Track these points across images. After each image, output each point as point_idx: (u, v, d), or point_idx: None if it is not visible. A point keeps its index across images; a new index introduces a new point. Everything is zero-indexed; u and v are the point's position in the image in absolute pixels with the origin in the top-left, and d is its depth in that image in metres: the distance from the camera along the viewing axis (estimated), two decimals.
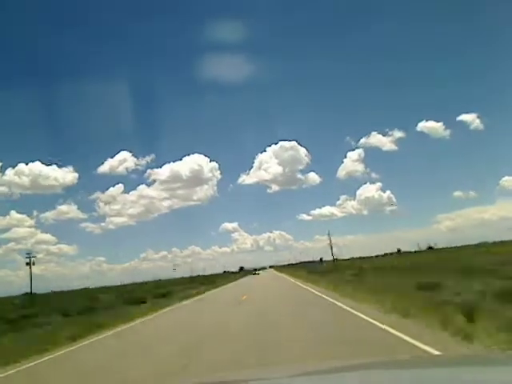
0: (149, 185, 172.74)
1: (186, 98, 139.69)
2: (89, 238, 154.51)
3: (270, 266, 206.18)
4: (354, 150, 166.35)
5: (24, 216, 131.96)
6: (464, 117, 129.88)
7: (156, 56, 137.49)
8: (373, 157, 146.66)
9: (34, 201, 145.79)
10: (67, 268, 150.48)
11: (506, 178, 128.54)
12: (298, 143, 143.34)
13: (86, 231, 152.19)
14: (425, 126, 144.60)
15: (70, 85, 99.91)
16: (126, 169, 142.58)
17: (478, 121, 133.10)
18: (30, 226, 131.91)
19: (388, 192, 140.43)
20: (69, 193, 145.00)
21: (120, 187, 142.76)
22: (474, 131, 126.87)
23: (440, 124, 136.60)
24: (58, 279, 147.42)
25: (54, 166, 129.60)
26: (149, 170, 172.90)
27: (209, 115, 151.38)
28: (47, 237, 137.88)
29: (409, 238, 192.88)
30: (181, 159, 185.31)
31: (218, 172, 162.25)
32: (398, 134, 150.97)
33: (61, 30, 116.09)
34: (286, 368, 3.27)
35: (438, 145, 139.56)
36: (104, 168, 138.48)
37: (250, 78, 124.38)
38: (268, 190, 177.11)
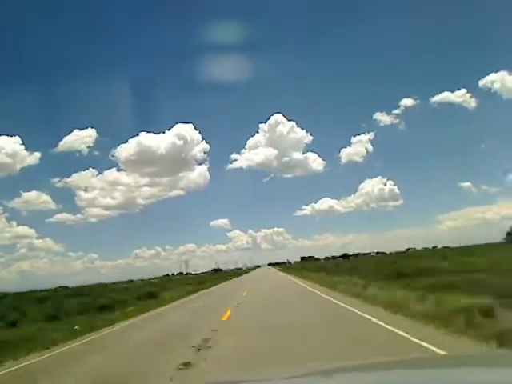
0: (119, 169, 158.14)
1: (178, 89, 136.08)
2: (67, 232, 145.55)
3: (269, 264, 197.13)
4: (359, 134, 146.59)
5: None
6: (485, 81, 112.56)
7: (149, 47, 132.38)
8: (378, 143, 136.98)
9: None
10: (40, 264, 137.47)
11: None
12: (298, 125, 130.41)
13: (64, 224, 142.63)
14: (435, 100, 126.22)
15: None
16: (91, 149, 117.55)
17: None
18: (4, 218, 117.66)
19: (391, 184, 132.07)
20: (30, 174, 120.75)
21: (93, 172, 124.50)
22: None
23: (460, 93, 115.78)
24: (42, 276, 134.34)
25: (17, 139, 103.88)
26: (118, 149, 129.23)
27: (201, 104, 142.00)
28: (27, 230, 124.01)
29: (410, 237, 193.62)
30: (165, 131, 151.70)
31: (206, 155, 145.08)
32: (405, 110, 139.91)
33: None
34: (288, 369, 3.28)
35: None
36: (71, 147, 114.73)
37: (246, 71, 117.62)
38: (264, 179, 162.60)
